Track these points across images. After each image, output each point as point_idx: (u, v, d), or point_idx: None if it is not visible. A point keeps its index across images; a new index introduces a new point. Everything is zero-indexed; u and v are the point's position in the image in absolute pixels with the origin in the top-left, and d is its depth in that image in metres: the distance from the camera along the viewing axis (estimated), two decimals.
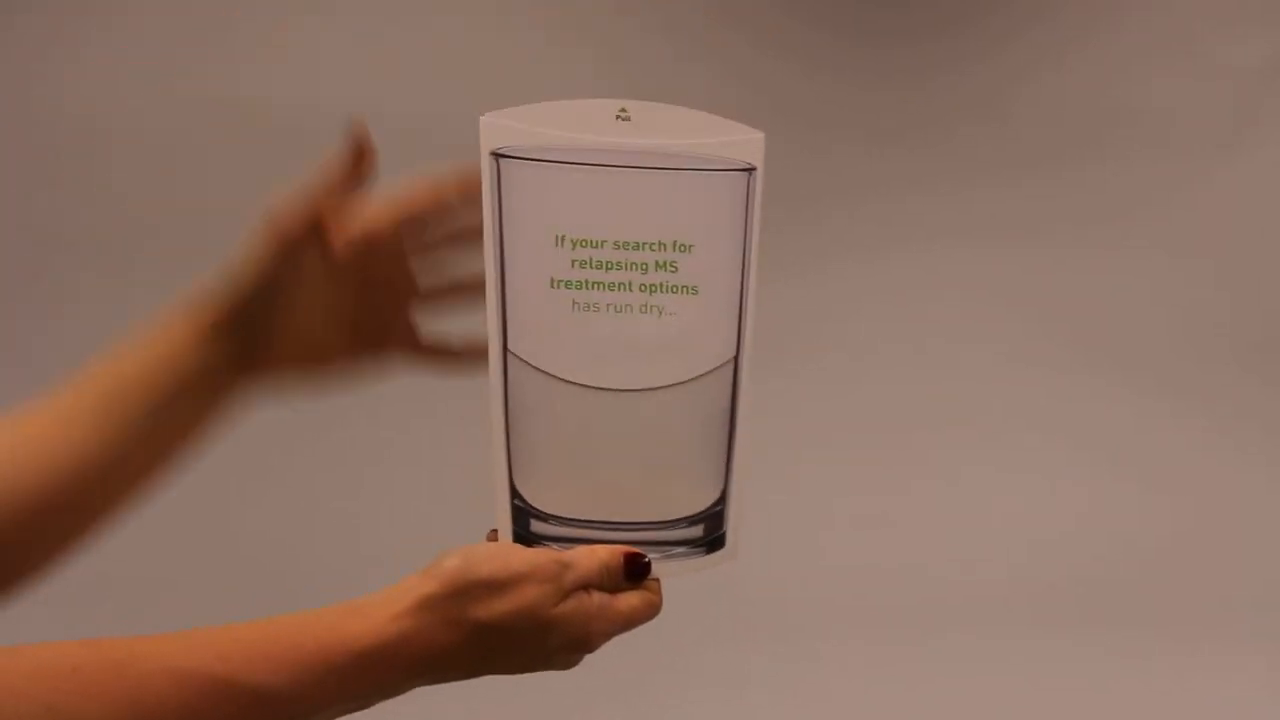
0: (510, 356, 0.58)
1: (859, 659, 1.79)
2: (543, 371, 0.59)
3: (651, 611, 0.58)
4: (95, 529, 0.62)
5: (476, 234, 0.58)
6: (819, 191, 2.05)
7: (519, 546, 0.57)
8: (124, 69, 2.01)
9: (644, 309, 0.58)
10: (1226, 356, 2.13)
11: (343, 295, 0.63)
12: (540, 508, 0.59)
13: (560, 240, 0.58)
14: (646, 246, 0.58)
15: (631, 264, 0.58)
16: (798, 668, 1.77)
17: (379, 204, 0.64)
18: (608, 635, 0.56)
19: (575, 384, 0.58)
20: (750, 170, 0.59)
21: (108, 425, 0.61)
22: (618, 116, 0.59)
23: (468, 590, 0.52)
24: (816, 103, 2.13)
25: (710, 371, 0.60)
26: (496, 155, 0.59)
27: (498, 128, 0.59)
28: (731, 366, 0.61)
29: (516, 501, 0.58)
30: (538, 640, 0.54)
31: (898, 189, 2.15)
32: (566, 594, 0.54)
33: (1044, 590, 1.93)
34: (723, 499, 0.62)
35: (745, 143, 0.59)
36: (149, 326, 0.64)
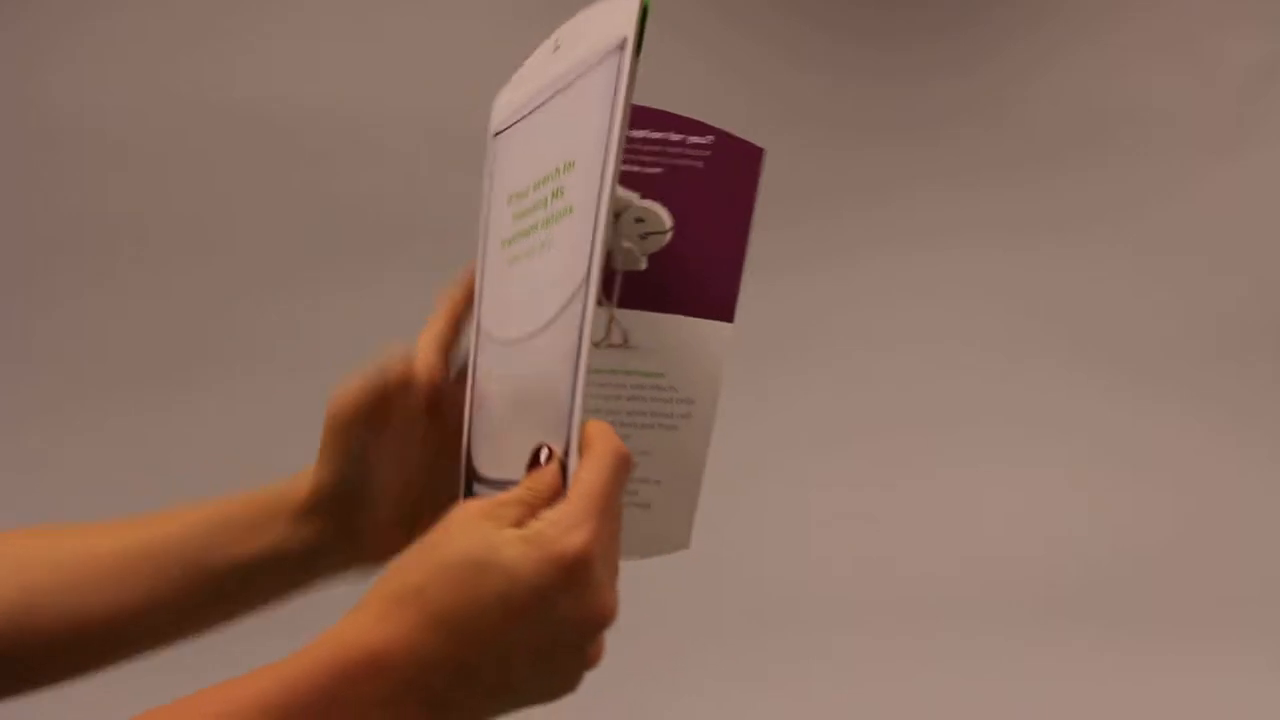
0: (479, 327, 0.58)
1: (853, 656, 1.79)
2: (482, 331, 0.58)
3: (615, 460, 0.46)
4: (116, 664, 0.61)
5: None
6: (817, 190, 2.05)
7: None
8: (120, 69, 2.01)
9: (542, 246, 0.52)
10: (1226, 356, 2.13)
11: (427, 454, 0.60)
12: (477, 469, 0.57)
13: (508, 199, 0.57)
14: (546, 179, 0.53)
15: (539, 202, 0.53)
16: (794, 665, 1.77)
17: (427, 349, 0.61)
18: (592, 534, 0.44)
19: (494, 340, 0.57)
20: (619, 48, 0.49)
21: (183, 594, 0.60)
22: (554, 51, 0.58)
23: (401, 564, 0.46)
24: (816, 101, 2.13)
25: (564, 305, 0.50)
26: (495, 135, 0.59)
27: (500, 107, 0.60)
28: (582, 293, 0.48)
29: (467, 466, 0.58)
30: (496, 588, 0.43)
31: (895, 188, 2.15)
32: (504, 520, 0.45)
33: (1040, 588, 1.93)
34: (566, 454, 0.50)
35: (623, 12, 0.49)
36: (238, 498, 0.63)
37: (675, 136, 0.60)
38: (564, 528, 0.44)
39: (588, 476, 0.45)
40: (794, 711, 1.69)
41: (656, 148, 0.60)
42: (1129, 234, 2.15)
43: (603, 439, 0.47)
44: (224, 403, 1.98)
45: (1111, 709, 1.69)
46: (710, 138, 0.60)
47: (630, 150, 0.59)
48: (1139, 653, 1.77)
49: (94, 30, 2.00)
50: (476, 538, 0.44)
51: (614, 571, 0.47)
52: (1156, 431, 2.09)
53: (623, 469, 0.46)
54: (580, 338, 0.47)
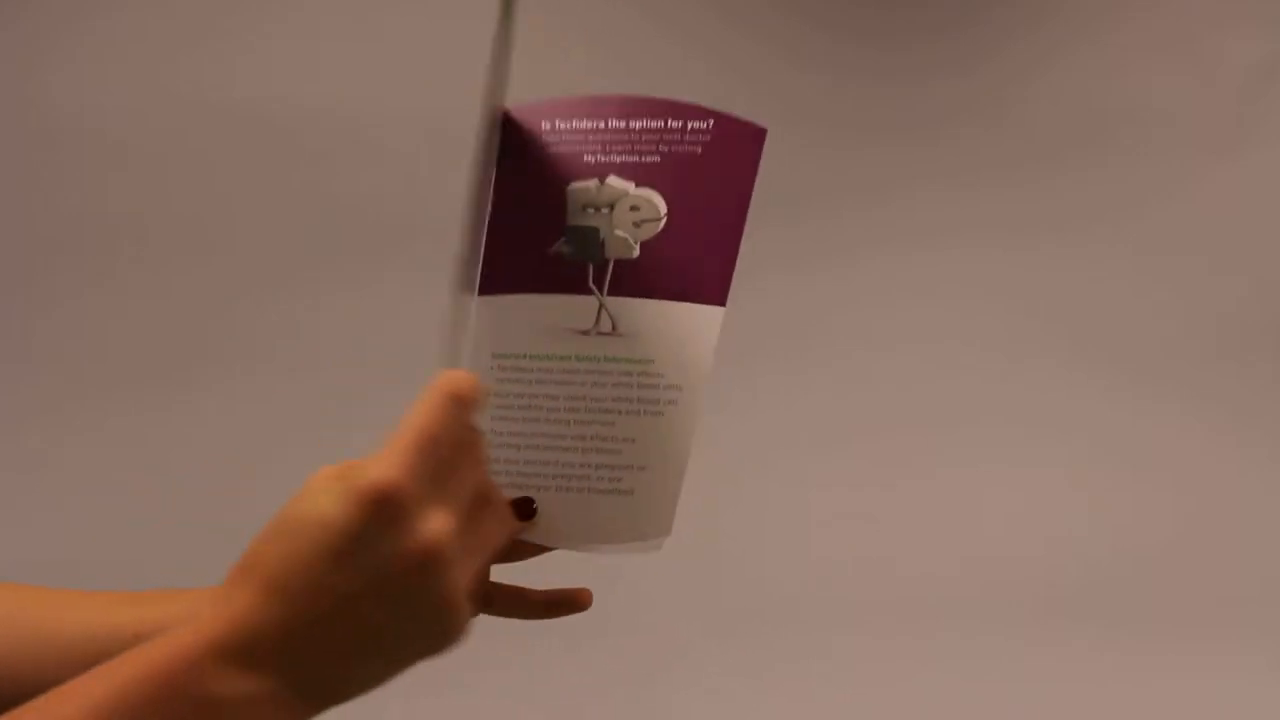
0: None
1: (853, 656, 1.79)
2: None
3: (438, 397, 0.46)
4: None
5: None
6: (817, 190, 2.05)
7: None
8: (120, 69, 2.01)
9: None
10: (1226, 356, 2.13)
11: None
12: None
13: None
14: None
15: None
16: (794, 664, 1.78)
17: None
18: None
19: None
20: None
21: None
22: None
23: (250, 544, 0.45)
24: (816, 102, 2.13)
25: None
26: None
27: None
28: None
29: None
30: (313, 537, 0.43)
31: (895, 188, 2.15)
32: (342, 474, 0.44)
33: (1040, 588, 1.93)
34: None
35: None
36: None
37: (674, 123, 0.61)
38: (370, 464, 0.43)
39: (407, 415, 0.45)
40: (794, 711, 1.69)
41: (654, 136, 0.61)
42: (1129, 234, 2.16)
43: (438, 381, 0.47)
44: (224, 403, 1.99)
45: (1111, 709, 1.69)
46: (710, 122, 0.61)
47: (629, 140, 0.61)
48: (1139, 652, 1.78)
49: (94, 30, 2.00)
50: (302, 495, 0.44)
51: (447, 504, 0.45)
52: (1156, 431, 2.09)
53: (449, 404, 0.46)
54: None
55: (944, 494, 2.05)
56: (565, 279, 0.61)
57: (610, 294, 0.61)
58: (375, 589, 0.43)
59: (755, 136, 0.61)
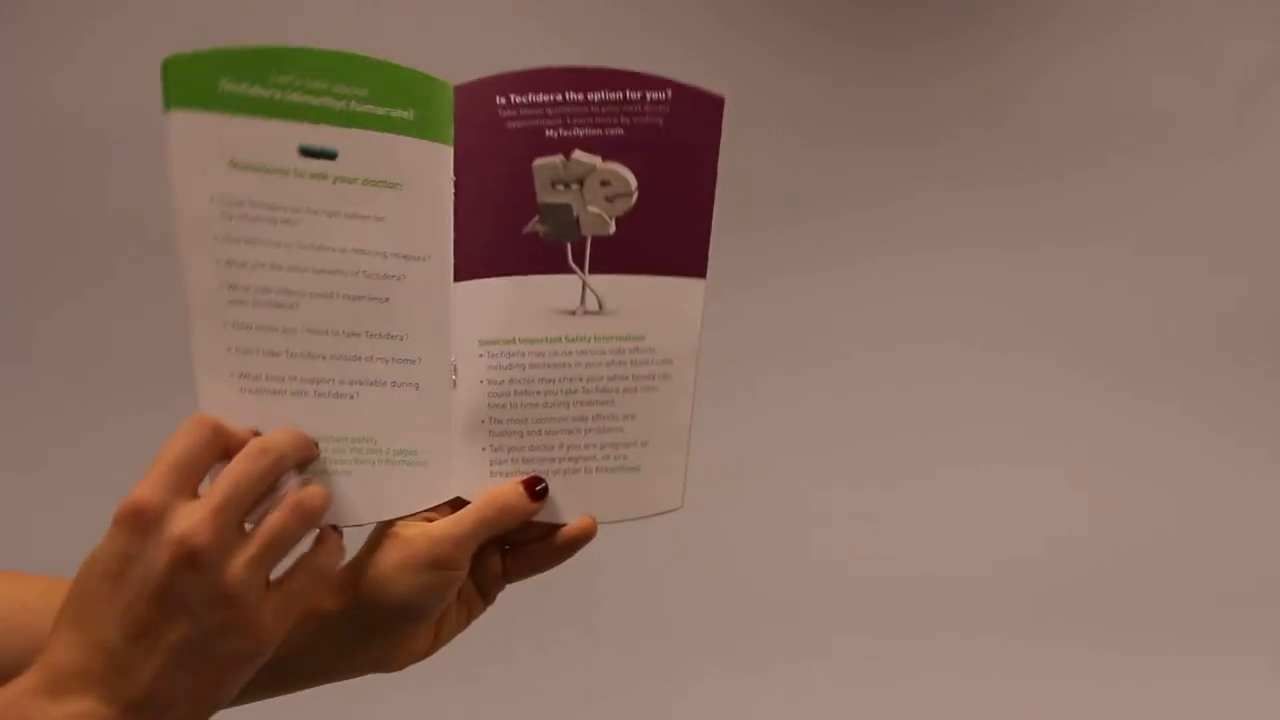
0: None
1: (853, 656, 1.79)
2: None
3: (192, 426, 0.53)
4: None
5: None
6: (817, 190, 2.05)
7: None
8: (120, 69, 2.01)
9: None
10: (1226, 355, 2.13)
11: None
12: None
13: None
14: None
15: None
16: (794, 664, 1.77)
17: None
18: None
19: None
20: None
21: None
22: None
23: None
24: (815, 101, 2.13)
25: None
26: None
27: None
28: None
29: None
30: (93, 566, 0.48)
31: (895, 188, 2.15)
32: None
33: (1040, 588, 1.92)
34: None
35: None
36: None
37: (633, 94, 0.60)
38: (126, 497, 0.49)
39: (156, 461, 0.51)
40: (794, 711, 1.69)
41: (614, 108, 0.60)
42: (1129, 234, 2.15)
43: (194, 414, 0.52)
44: None
45: (1112, 709, 1.68)
46: (668, 91, 0.60)
47: (589, 113, 0.59)
48: (1139, 652, 1.77)
49: (94, 30, 2.00)
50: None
51: (201, 507, 0.49)
52: (1156, 431, 2.09)
53: (197, 429, 0.51)
54: None
55: (944, 494, 2.04)
56: (544, 259, 0.60)
57: (592, 272, 0.61)
58: (151, 597, 0.46)
59: (715, 104, 0.60)
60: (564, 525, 0.62)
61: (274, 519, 0.51)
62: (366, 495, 0.58)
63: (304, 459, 0.55)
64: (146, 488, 0.49)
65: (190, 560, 0.48)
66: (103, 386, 2.00)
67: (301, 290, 0.56)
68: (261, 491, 0.52)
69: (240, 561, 0.49)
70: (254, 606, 0.49)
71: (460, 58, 2.19)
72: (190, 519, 0.48)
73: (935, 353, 2.11)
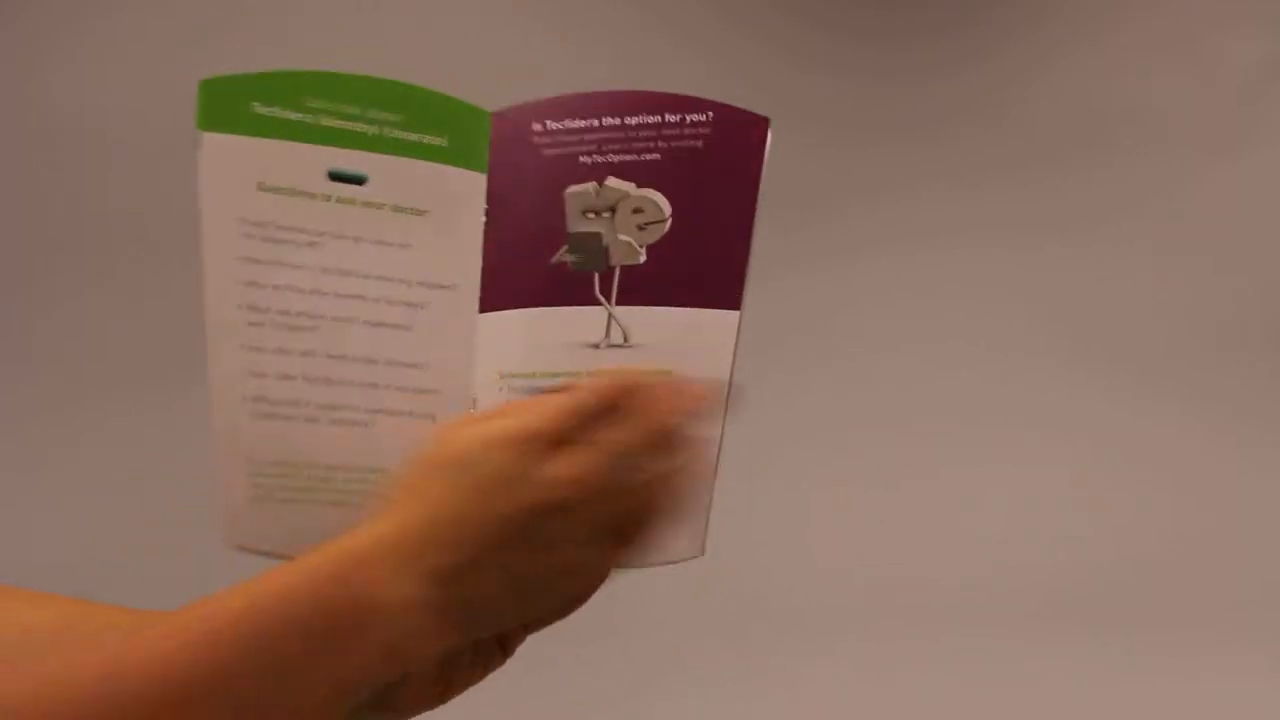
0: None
1: (853, 656, 1.79)
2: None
3: (591, 386, 0.51)
4: None
5: None
6: (819, 191, 2.05)
7: None
8: (120, 69, 2.01)
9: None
10: (1227, 355, 2.13)
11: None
12: None
13: None
14: None
15: None
16: (794, 665, 1.77)
17: None
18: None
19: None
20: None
21: None
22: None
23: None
24: (819, 103, 2.13)
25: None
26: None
27: None
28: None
29: None
30: (459, 468, 0.48)
31: (898, 188, 2.15)
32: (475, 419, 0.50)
33: (1040, 588, 1.92)
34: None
35: None
36: None
37: (671, 117, 0.58)
38: (513, 420, 0.49)
39: (562, 394, 0.50)
40: (794, 711, 1.69)
41: (652, 132, 0.58)
42: (1129, 234, 2.15)
43: (595, 377, 0.51)
44: None
45: (1113, 709, 1.68)
46: (709, 114, 0.58)
47: (625, 138, 0.58)
48: (1140, 652, 1.77)
49: (94, 30, 2.00)
50: (441, 447, 0.49)
51: (573, 464, 0.49)
52: (1159, 431, 2.09)
53: (589, 396, 0.50)
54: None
55: (946, 494, 2.04)
56: (570, 290, 0.58)
57: (619, 303, 0.58)
58: (520, 523, 0.48)
59: (758, 126, 0.58)
60: None
61: (640, 496, 0.52)
62: None
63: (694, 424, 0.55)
64: (546, 421, 0.49)
65: (565, 503, 0.48)
66: (103, 387, 1.99)
67: (322, 314, 0.55)
68: (640, 455, 0.52)
69: (606, 514, 0.50)
70: (602, 560, 0.50)
71: (459, 56, 2.19)
72: (578, 465, 0.49)
73: (936, 353, 2.11)
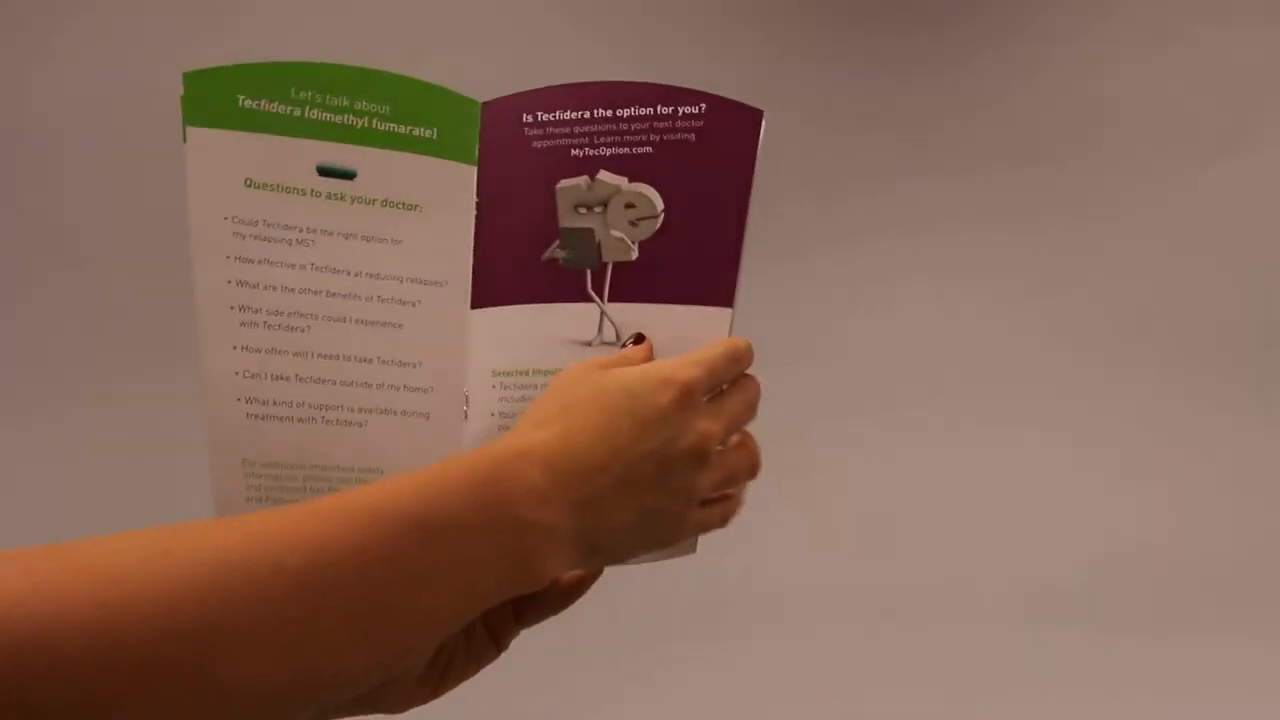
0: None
1: (853, 656, 1.79)
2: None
3: (727, 344, 0.56)
4: None
5: None
6: (815, 180, 2.05)
7: None
8: (120, 69, 2.01)
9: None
10: (1227, 353, 2.13)
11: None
12: None
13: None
14: None
15: None
16: (794, 665, 1.77)
17: None
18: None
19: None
20: None
21: None
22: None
23: (530, 412, 0.52)
24: (820, 90, 2.13)
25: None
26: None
27: None
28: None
29: None
30: (623, 405, 0.49)
31: (896, 179, 2.15)
32: (612, 365, 0.53)
33: (1041, 588, 1.92)
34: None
35: None
36: None
37: (664, 109, 0.57)
38: (675, 365, 0.51)
39: (712, 343, 0.54)
40: (794, 711, 1.69)
41: (644, 124, 0.57)
42: (1129, 227, 2.15)
43: (738, 339, 0.56)
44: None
45: (1114, 709, 1.68)
46: (702, 105, 0.57)
47: (617, 130, 0.56)
48: (1143, 652, 1.77)
49: (94, 30, 2.00)
50: (597, 375, 0.51)
51: (716, 420, 0.53)
52: (1157, 427, 2.09)
53: (728, 351, 0.54)
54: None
55: (947, 494, 2.04)
56: (562, 286, 0.57)
57: (611, 300, 0.58)
58: (663, 461, 0.50)
59: (752, 118, 0.57)
60: None
61: (740, 473, 0.56)
62: None
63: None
64: (702, 376, 0.52)
65: (702, 456, 0.51)
66: (103, 386, 1.99)
67: (314, 313, 0.55)
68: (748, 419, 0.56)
69: (719, 475, 0.54)
70: (706, 515, 0.54)
71: (460, 58, 2.19)
72: (718, 423, 0.52)
73: (935, 345, 2.11)
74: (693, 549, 0.61)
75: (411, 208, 0.56)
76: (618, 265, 0.58)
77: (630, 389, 0.50)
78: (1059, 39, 2.19)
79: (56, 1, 2.01)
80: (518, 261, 0.58)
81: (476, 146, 0.57)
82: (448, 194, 0.56)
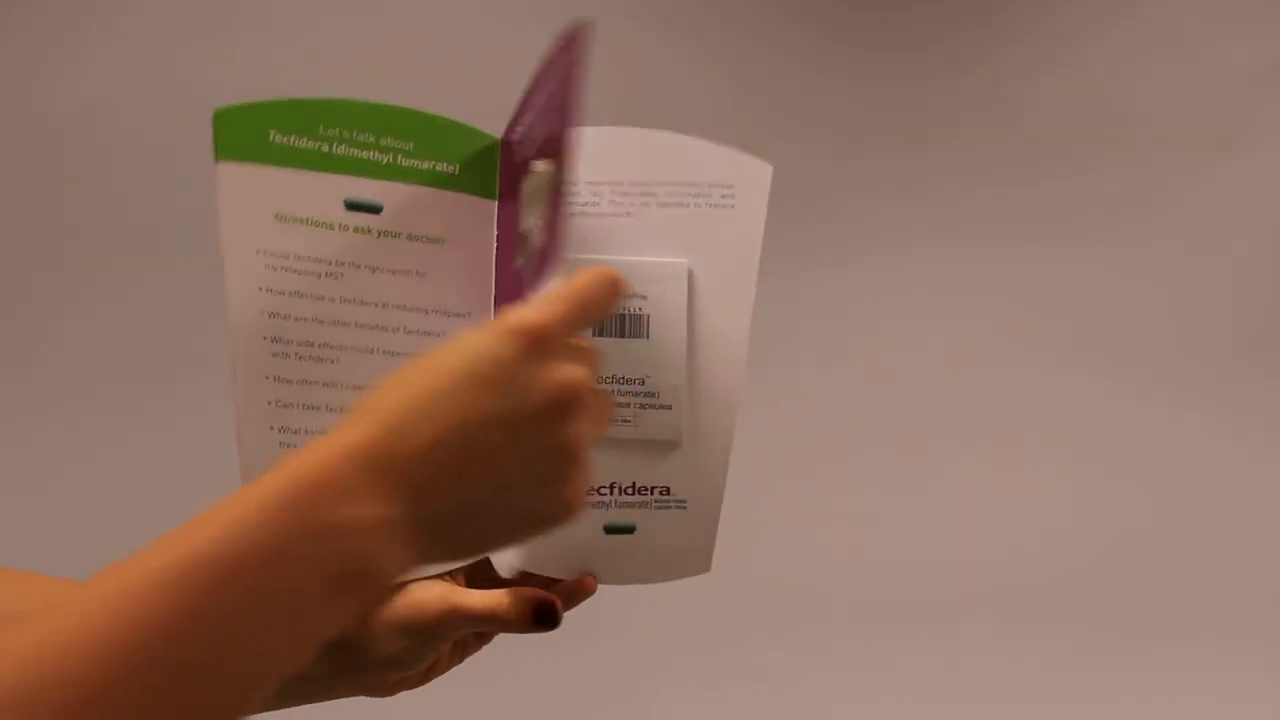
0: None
1: (854, 656, 1.79)
2: None
3: (590, 275, 0.47)
4: None
5: None
6: (819, 191, 2.05)
7: None
8: (120, 69, 2.01)
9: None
10: (1227, 353, 2.13)
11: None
12: None
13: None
14: None
15: None
16: (794, 665, 1.77)
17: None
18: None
19: None
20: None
21: None
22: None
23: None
24: (827, 104, 2.13)
25: None
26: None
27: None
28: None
29: None
30: (459, 364, 0.42)
31: (899, 188, 2.15)
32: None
33: (1041, 588, 1.92)
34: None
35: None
36: None
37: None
38: (524, 309, 0.44)
39: (568, 282, 0.46)
40: (794, 711, 1.69)
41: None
42: (1130, 231, 2.15)
43: (602, 269, 0.47)
44: (226, 404, 1.98)
45: (1114, 710, 1.68)
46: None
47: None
48: (1141, 653, 1.77)
49: (94, 30, 2.00)
50: (446, 345, 0.44)
51: (584, 362, 0.46)
52: (1156, 427, 2.09)
53: (607, 285, 0.46)
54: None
55: (948, 494, 2.04)
56: None
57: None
58: (511, 419, 0.43)
59: (577, 36, 0.54)
60: (563, 580, 0.61)
61: (598, 429, 0.47)
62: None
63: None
64: (547, 317, 0.44)
65: (567, 410, 0.44)
66: (103, 388, 1.99)
67: (343, 345, 0.55)
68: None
69: (596, 430, 0.46)
70: (583, 479, 0.45)
71: (461, 59, 2.19)
72: (579, 373, 0.45)
73: (935, 351, 2.11)
74: (706, 567, 0.62)
75: (435, 241, 0.56)
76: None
77: (470, 348, 0.43)
78: (1061, 49, 2.19)
79: (84, 5, 2.01)
80: (535, 293, 0.56)
81: (496, 181, 0.57)
82: (469, 227, 0.57)
